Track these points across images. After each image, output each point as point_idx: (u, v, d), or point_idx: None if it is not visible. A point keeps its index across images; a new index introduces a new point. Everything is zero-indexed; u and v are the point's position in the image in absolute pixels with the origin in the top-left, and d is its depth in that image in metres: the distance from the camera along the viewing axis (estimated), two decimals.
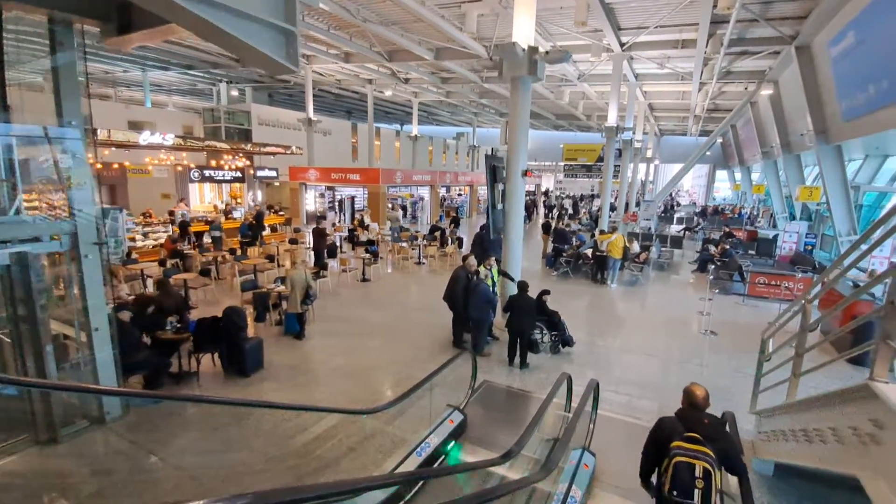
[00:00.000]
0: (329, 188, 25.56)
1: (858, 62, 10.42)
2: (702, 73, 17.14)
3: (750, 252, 14.73)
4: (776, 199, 22.39)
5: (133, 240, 13.20)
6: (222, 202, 20.78)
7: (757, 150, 22.98)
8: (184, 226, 14.18)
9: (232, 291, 10.30)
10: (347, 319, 9.28)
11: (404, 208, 24.73)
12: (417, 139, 33.59)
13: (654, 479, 3.21)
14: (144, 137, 13.05)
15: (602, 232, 13.40)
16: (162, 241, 12.74)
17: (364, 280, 11.81)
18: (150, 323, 6.16)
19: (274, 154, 19.19)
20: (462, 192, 32.26)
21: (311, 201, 23.72)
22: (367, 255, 11.75)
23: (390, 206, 21.45)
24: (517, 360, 7.16)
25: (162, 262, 10.42)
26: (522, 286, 7.22)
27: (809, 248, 14.34)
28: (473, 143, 41.62)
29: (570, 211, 28.55)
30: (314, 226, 11.63)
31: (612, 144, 17.07)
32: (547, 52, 7.23)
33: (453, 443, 4.56)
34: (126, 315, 5.95)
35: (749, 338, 8.95)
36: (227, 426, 5.01)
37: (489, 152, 7.99)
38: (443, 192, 33.10)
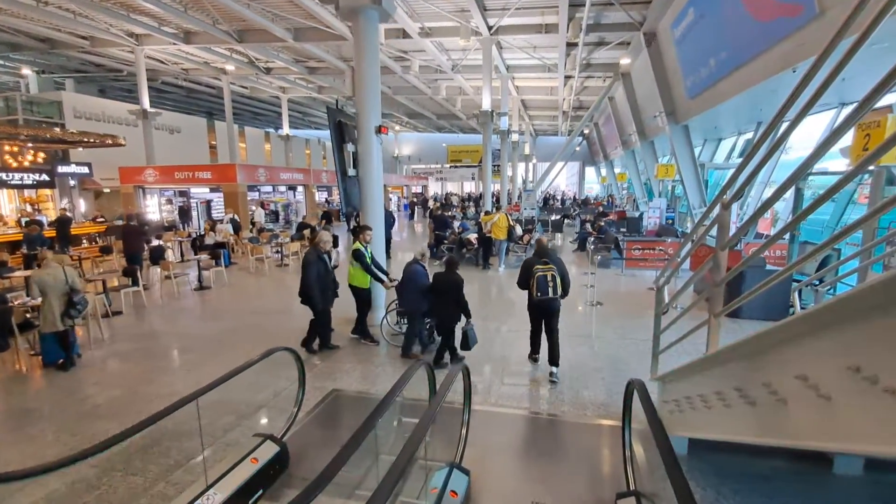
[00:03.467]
0: (181, 193, 21.68)
1: (699, 38, 11.01)
2: (565, 63, 17.71)
3: (622, 230, 15.29)
4: (636, 185, 24.37)
5: None
6: (17, 211, 16.04)
7: (617, 142, 24.83)
8: (63, 224, 11.72)
9: None
10: (157, 336, 6.98)
11: (275, 213, 21.92)
12: (290, 139, 30.67)
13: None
14: None
15: (486, 213, 12.69)
16: None
17: (201, 288, 9.36)
18: None
19: (82, 144, 15.14)
20: None
21: (154, 209, 19.73)
22: (206, 258, 9.33)
23: (253, 207, 18.61)
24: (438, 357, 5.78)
25: None
26: (451, 262, 5.82)
27: (670, 221, 15.31)
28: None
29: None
30: (125, 223, 8.92)
31: (489, 131, 16.77)
32: None
33: (260, 492, 2.90)
34: None
35: (631, 305, 8.72)
36: None
37: (334, 105, 6.40)
38: (324, 195, 30.65)
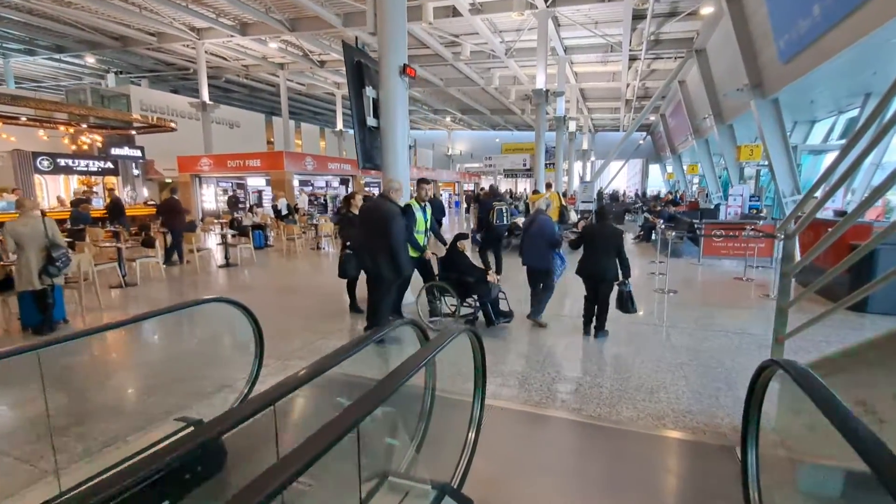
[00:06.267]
0: (239, 186, 22.27)
1: None
2: (630, 39, 16.02)
3: (694, 220, 13.38)
4: (710, 178, 21.88)
5: None
6: (72, 193, 16.83)
7: (688, 130, 22.44)
8: (116, 208, 12.41)
9: None
10: (154, 305, 6.39)
11: (324, 205, 21.94)
12: (343, 135, 30.95)
13: None
14: None
15: (535, 192, 11.37)
16: None
17: (227, 265, 8.88)
18: None
19: (139, 130, 15.64)
20: None
21: (210, 198, 20.26)
22: (232, 233, 8.87)
23: (299, 194, 18.55)
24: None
25: None
26: (602, 211, 4.95)
27: (755, 211, 13.17)
28: (411, 143, 39.44)
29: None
30: (165, 199, 8.66)
31: (542, 114, 15.46)
32: None
33: None
34: None
35: (714, 294, 7.17)
36: None
37: (353, 43, 5.50)
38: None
